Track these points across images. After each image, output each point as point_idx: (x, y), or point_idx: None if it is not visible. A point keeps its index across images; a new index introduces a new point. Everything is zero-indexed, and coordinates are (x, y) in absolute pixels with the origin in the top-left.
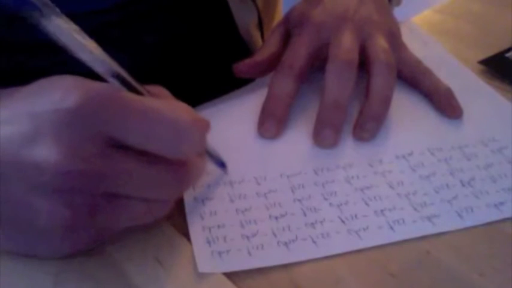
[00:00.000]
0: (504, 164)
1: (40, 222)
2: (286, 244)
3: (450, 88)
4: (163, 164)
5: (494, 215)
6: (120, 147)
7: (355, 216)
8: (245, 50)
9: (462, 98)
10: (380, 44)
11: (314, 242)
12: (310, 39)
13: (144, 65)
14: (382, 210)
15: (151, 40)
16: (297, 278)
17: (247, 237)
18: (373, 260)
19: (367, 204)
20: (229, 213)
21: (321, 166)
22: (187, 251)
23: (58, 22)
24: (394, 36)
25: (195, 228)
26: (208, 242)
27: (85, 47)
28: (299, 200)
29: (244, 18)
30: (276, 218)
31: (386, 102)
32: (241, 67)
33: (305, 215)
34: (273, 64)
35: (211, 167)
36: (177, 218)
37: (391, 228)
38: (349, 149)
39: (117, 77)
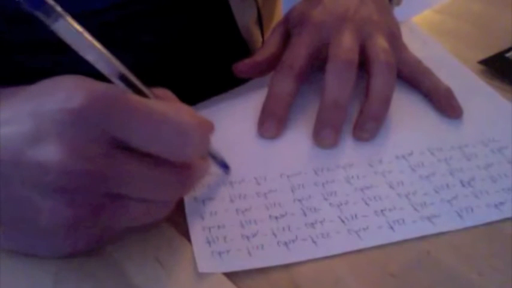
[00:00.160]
0: (504, 164)
1: (42, 222)
2: (286, 244)
3: (450, 88)
4: (167, 165)
5: (494, 215)
6: (124, 148)
7: (355, 216)
8: (245, 48)
9: (462, 98)
10: (380, 44)
11: (314, 242)
12: (310, 39)
13: (143, 64)
14: (382, 210)
15: (151, 39)
16: (297, 278)
17: (247, 237)
18: (373, 260)
19: (367, 204)
20: (229, 213)
21: (321, 166)
22: (187, 251)
23: (68, 23)
24: (394, 36)
25: (195, 228)
26: (208, 242)
27: (93, 48)
28: (299, 200)
29: (244, 16)
30: (276, 218)
31: (386, 102)
32: (241, 67)
33: (305, 215)
34: (272, 64)
35: (213, 168)
36: (177, 218)
37: (391, 228)
38: (349, 149)
39: (123, 78)
